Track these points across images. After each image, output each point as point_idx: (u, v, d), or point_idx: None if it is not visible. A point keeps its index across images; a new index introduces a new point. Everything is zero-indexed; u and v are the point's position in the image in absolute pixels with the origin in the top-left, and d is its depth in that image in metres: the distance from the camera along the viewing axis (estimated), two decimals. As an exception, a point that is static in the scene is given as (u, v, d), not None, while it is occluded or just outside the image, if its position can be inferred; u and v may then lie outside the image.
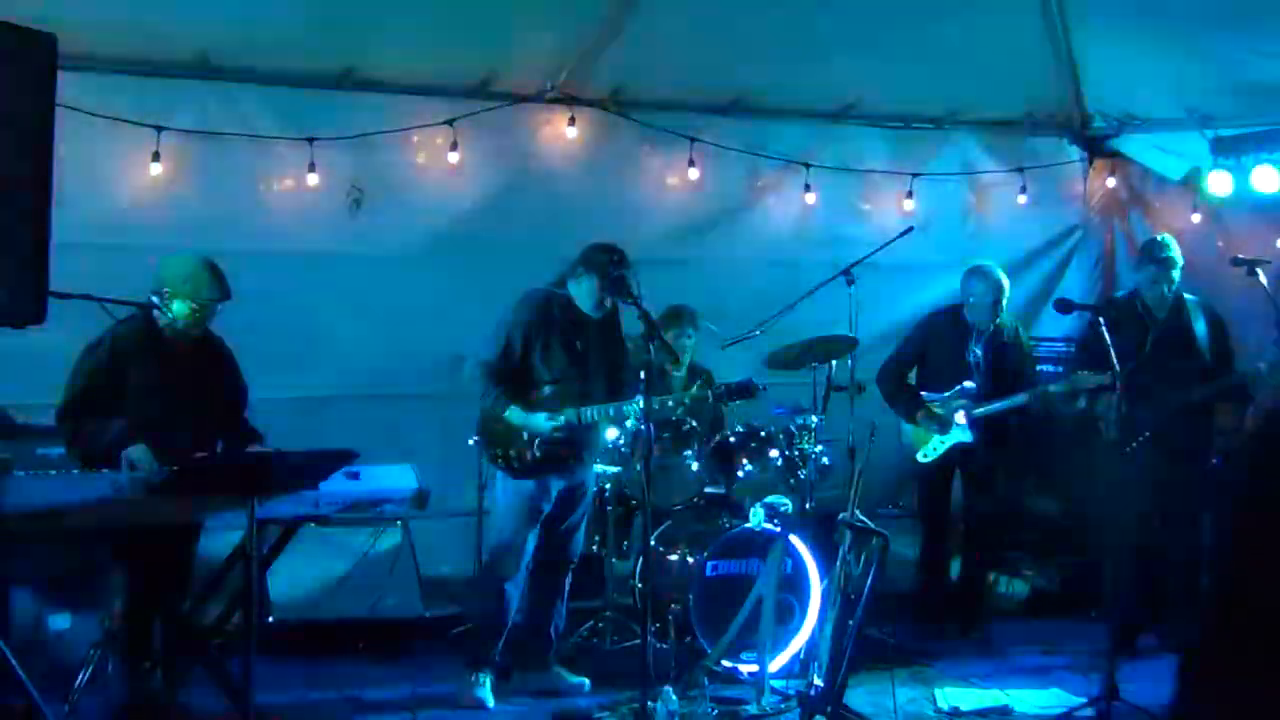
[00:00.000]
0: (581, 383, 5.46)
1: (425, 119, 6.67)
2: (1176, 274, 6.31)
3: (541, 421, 5.36)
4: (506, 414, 5.40)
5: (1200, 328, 6.32)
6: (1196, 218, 7.95)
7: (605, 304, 5.45)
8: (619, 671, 5.72)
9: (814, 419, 6.20)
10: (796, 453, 6.21)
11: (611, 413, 5.43)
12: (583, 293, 5.43)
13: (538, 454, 5.39)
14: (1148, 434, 6.19)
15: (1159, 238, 6.54)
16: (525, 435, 5.40)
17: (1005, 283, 6.57)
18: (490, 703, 5.47)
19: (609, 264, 5.29)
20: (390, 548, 6.30)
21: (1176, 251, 6.33)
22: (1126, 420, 5.89)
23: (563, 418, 5.35)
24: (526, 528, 5.47)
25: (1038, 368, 7.17)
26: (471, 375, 5.50)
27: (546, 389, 5.44)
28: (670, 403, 5.51)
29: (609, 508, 6.24)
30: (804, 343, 6.19)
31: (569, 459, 5.50)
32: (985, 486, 6.73)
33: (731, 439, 6.31)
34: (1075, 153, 8.27)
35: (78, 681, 5.10)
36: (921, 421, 6.61)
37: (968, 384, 6.55)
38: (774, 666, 5.68)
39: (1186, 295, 6.38)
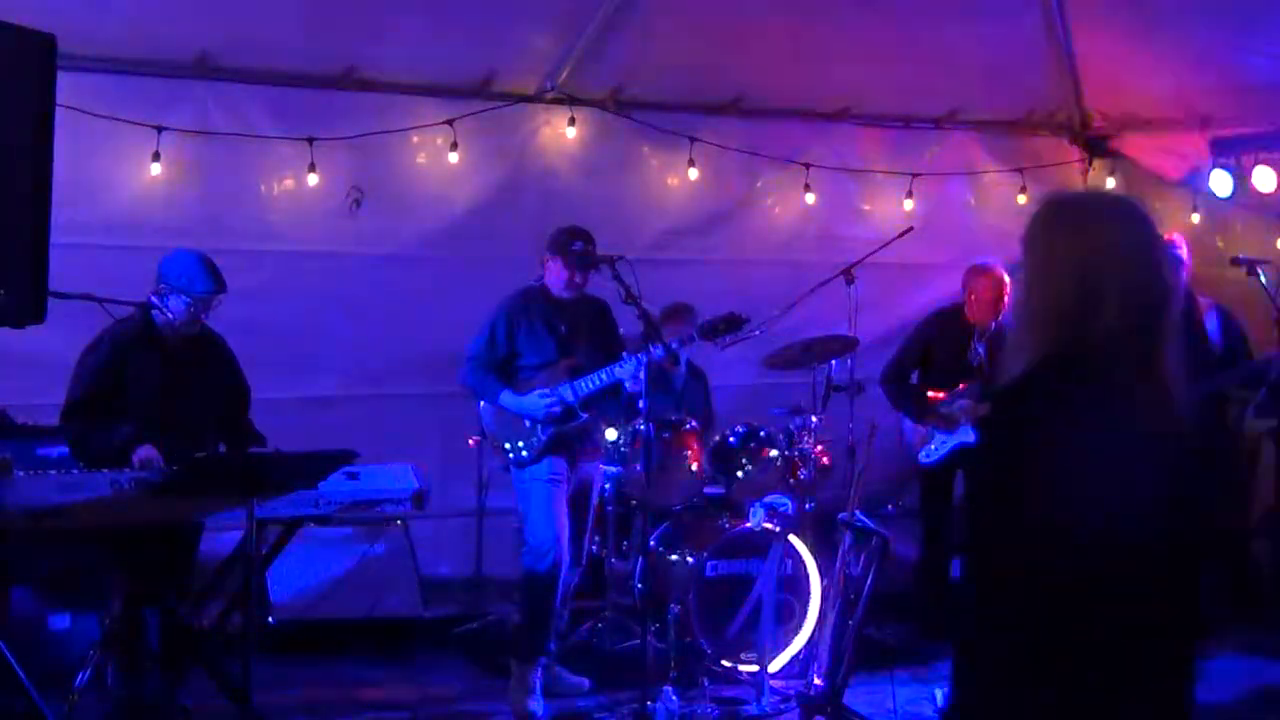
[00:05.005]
0: (570, 360, 5.49)
1: (425, 119, 6.67)
2: (1182, 273, 6.27)
3: (535, 401, 5.39)
4: (500, 399, 5.45)
5: (1213, 326, 6.29)
6: (1196, 218, 7.95)
7: (576, 280, 5.47)
8: (619, 671, 5.71)
9: (814, 419, 6.20)
10: (796, 453, 6.21)
11: (605, 377, 5.40)
12: (552, 276, 5.51)
13: (543, 438, 5.42)
14: None
15: (1170, 237, 6.53)
16: (527, 424, 5.43)
17: (1007, 279, 6.56)
18: (540, 713, 5.34)
19: (569, 241, 5.38)
20: (390, 548, 6.30)
21: (1183, 251, 6.31)
22: None
23: (556, 395, 5.38)
24: (556, 506, 5.43)
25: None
26: (463, 374, 5.56)
27: (538, 375, 5.47)
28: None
29: (609, 508, 6.23)
30: (804, 343, 6.20)
31: (572, 442, 5.50)
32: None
33: (731, 439, 6.31)
34: (1075, 153, 8.27)
35: (78, 681, 5.09)
36: (927, 421, 6.61)
37: (971, 383, 6.55)
38: (774, 666, 5.68)
39: (1200, 297, 6.36)
